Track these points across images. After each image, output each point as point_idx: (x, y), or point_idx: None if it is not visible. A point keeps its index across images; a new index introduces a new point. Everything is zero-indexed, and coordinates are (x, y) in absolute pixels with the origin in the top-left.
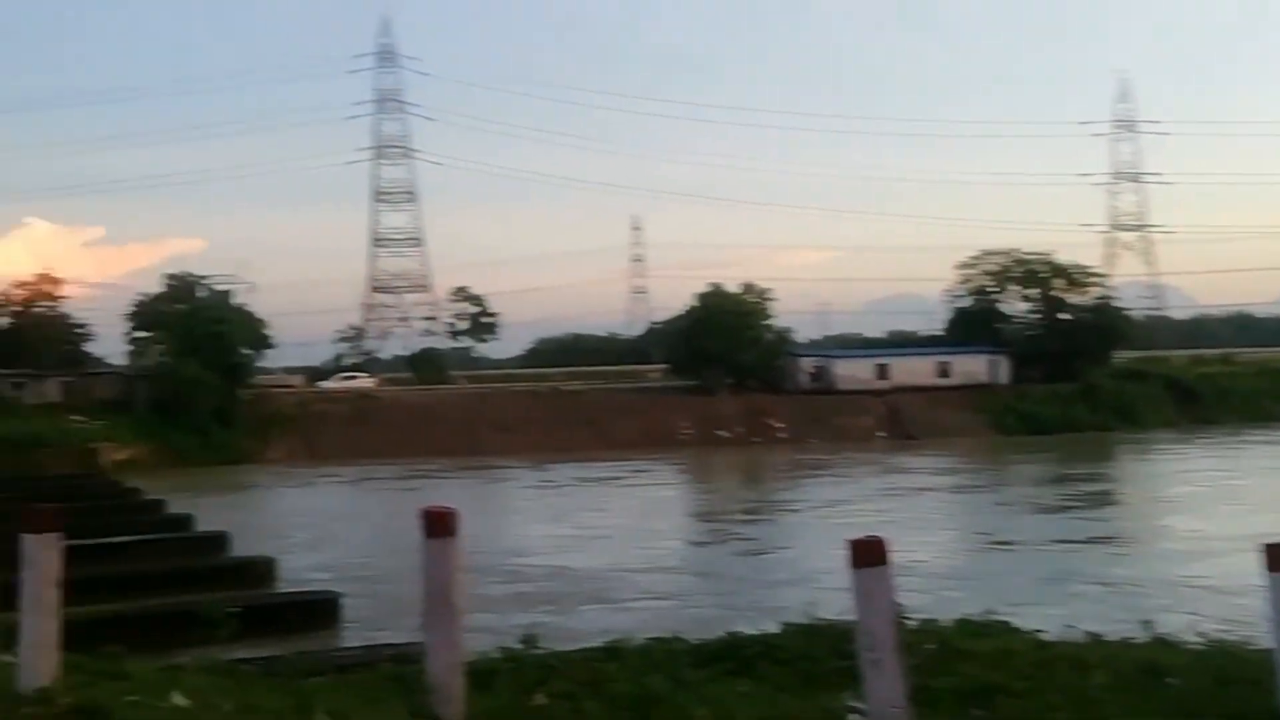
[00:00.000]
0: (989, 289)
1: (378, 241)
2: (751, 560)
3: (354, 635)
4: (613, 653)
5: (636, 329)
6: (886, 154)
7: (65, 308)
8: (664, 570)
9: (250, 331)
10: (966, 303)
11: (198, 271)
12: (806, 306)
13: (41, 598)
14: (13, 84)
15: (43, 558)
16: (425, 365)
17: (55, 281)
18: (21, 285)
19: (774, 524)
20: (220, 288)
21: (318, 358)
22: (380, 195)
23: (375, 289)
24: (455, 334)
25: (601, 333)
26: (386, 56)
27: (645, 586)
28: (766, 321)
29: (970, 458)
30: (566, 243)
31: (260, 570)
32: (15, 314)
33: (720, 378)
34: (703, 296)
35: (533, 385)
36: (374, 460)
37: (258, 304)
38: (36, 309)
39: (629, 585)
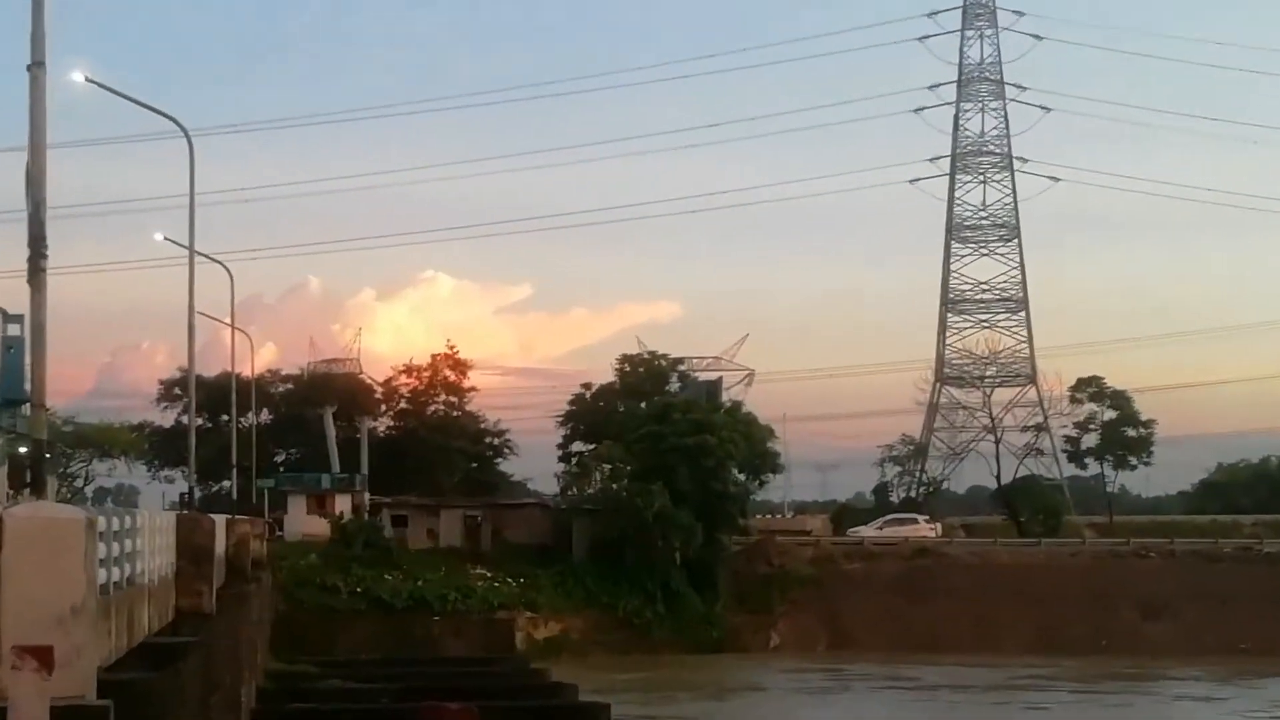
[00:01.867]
0: None
1: (951, 303)
2: None
3: None
4: None
5: None
6: None
7: (472, 404)
8: None
9: (748, 446)
10: None
11: (667, 349)
12: None
13: None
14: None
15: None
16: (1025, 504)
17: (460, 365)
18: (411, 371)
19: None
20: (703, 375)
21: (846, 488)
22: (960, 230)
23: (944, 378)
24: (1078, 455)
25: None
26: (978, 12)
27: None
28: None
29: None
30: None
31: None
32: (403, 412)
33: None
34: None
35: (1208, 541)
36: (933, 654)
37: (758, 402)
38: (432, 405)
39: None
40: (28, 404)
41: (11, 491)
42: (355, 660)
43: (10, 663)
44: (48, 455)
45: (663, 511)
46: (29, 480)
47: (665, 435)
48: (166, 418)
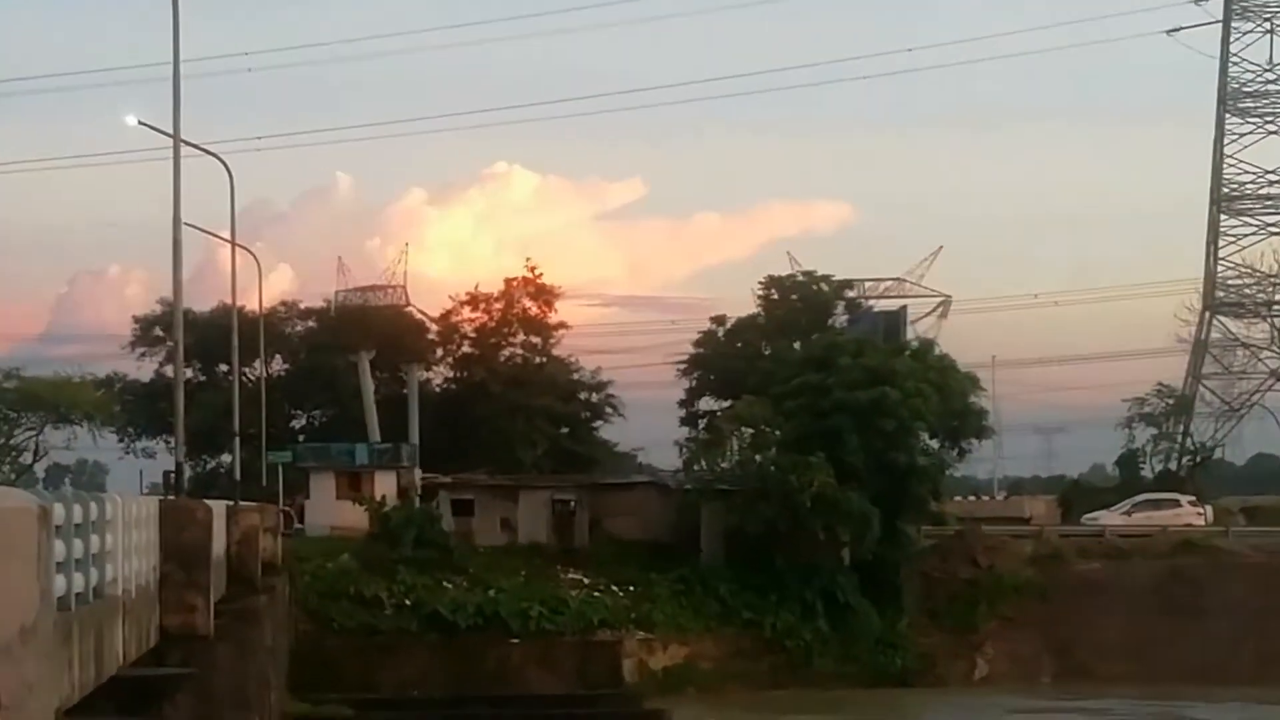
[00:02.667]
0: None
1: (1226, 200)
2: None
3: None
4: None
5: None
6: None
7: (562, 347)
8: None
9: (943, 402)
10: None
11: (830, 269)
12: None
13: None
14: None
15: None
16: None
17: (545, 293)
18: (477, 302)
19: None
20: (880, 304)
21: (1079, 458)
22: (1238, 98)
23: (1216, 305)
24: None
25: None
26: None
27: None
28: None
29: None
30: None
31: None
32: (466, 359)
33: None
34: None
35: None
36: (1204, 687)
37: (957, 341)
38: (506, 349)
39: None
40: None
41: None
42: (405, 699)
43: None
44: None
45: (825, 493)
46: None
47: (829, 388)
48: (144, 369)
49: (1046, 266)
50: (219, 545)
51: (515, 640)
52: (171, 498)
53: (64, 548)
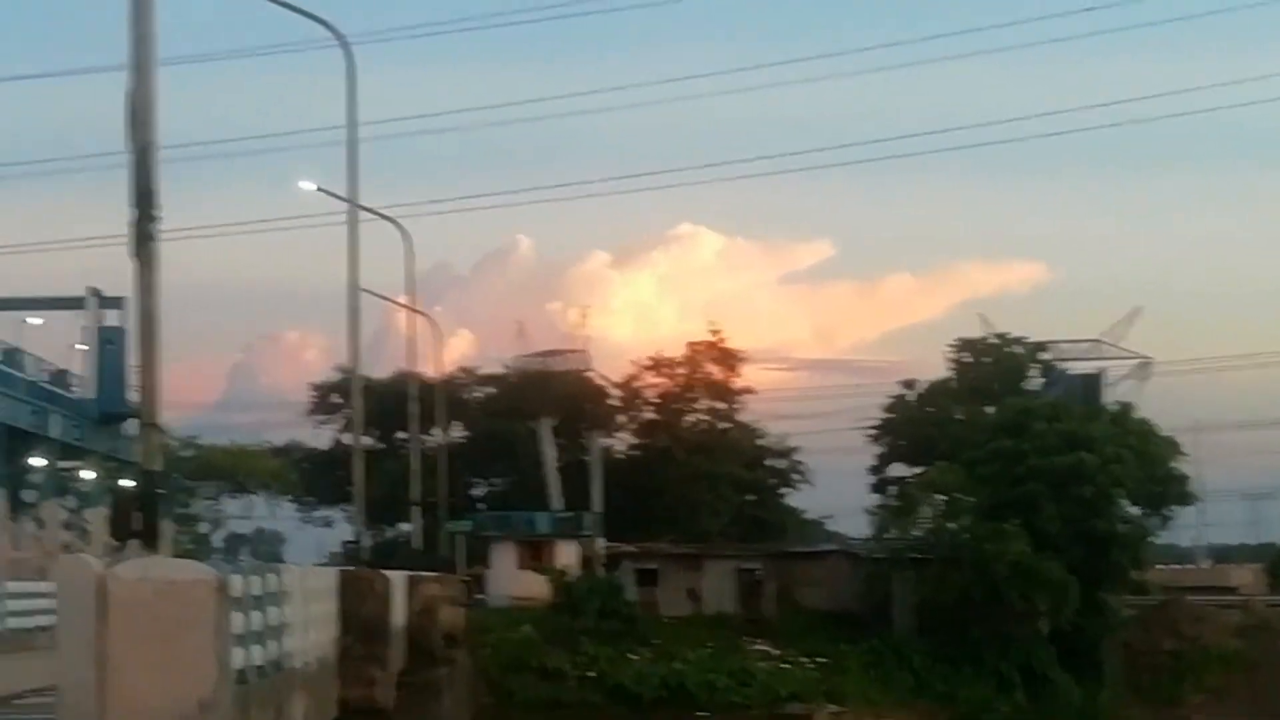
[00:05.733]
0: None
1: None
2: None
3: None
4: None
5: None
6: None
7: (747, 412)
8: None
9: (1144, 467)
10: None
11: (1024, 330)
12: None
13: None
14: None
15: None
16: None
17: (729, 357)
18: (661, 366)
19: None
20: (1076, 367)
21: None
22: None
23: None
24: None
25: None
26: None
27: None
28: None
29: None
30: None
31: None
32: (650, 425)
33: None
34: None
35: None
36: None
37: (1157, 404)
38: (690, 415)
39: None
40: (133, 420)
41: (115, 542)
42: None
43: None
44: (163, 491)
45: (1022, 562)
46: (139, 527)
47: (1024, 454)
48: (321, 437)
49: (1259, 322)
50: (399, 616)
51: (702, 714)
52: (351, 569)
53: (243, 620)
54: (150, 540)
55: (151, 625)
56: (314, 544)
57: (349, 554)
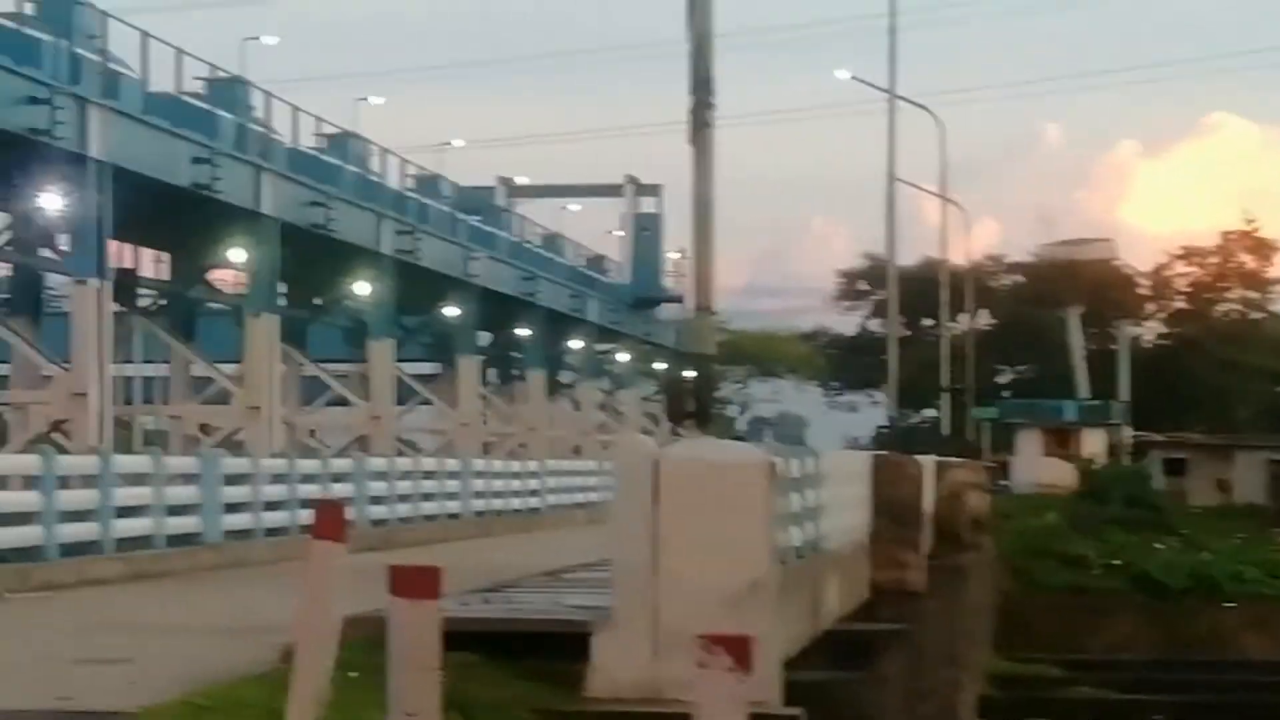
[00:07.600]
0: None
1: None
2: None
3: None
4: None
5: None
6: None
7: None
8: None
9: None
10: None
11: None
12: None
13: None
14: None
15: None
16: None
17: (1263, 248)
18: (1191, 256)
19: None
20: None
21: None
22: None
23: None
24: None
25: None
26: None
27: None
28: None
29: None
30: None
31: None
32: (1179, 315)
33: None
34: None
35: None
36: None
37: None
38: (1222, 305)
39: None
40: (666, 305)
41: (669, 424)
42: (1113, 661)
43: (696, 657)
44: (717, 375)
45: None
46: (693, 410)
47: None
48: (847, 323)
49: None
50: (927, 501)
51: (1229, 605)
52: (883, 453)
53: (787, 503)
54: (703, 422)
55: (703, 505)
56: (838, 428)
57: (881, 438)
